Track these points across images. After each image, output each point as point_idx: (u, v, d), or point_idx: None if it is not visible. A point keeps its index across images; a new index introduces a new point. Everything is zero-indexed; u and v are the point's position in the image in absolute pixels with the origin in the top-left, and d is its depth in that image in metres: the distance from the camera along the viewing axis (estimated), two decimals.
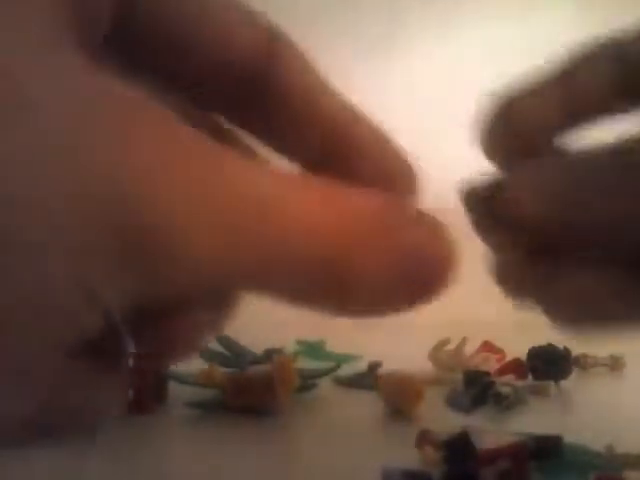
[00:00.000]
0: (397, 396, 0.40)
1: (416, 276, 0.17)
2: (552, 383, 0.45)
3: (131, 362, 0.20)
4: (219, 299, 0.22)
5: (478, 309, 0.78)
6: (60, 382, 0.16)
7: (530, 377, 0.46)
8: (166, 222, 0.15)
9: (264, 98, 0.21)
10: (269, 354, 0.44)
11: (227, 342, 0.48)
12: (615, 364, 0.48)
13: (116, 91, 0.15)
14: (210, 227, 0.15)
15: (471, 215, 0.22)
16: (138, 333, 0.19)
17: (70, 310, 0.15)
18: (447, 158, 0.87)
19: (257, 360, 0.45)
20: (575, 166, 0.20)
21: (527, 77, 0.22)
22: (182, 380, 0.43)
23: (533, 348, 0.46)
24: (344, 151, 0.21)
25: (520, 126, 0.21)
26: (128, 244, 0.14)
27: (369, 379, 0.45)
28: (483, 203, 0.22)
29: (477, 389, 0.42)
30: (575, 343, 0.45)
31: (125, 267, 0.15)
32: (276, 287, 0.16)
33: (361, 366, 0.48)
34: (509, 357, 0.49)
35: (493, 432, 0.31)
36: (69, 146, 0.14)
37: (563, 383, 0.45)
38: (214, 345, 0.48)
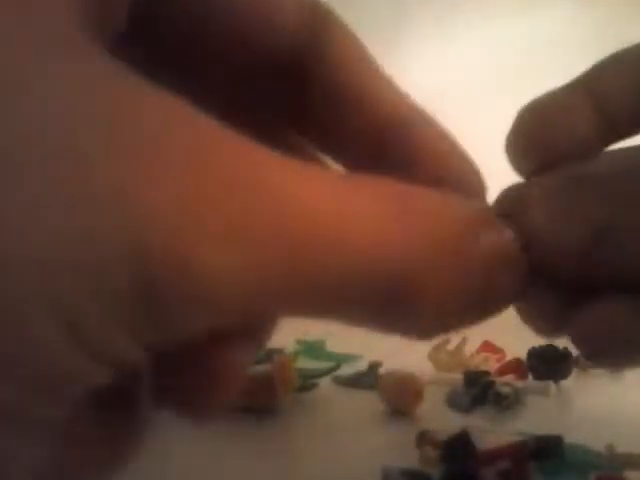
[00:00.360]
0: (397, 396, 0.40)
1: (498, 286, 0.15)
2: (552, 383, 0.45)
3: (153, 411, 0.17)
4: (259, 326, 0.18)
5: None
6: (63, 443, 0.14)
7: (530, 377, 0.46)
8: (197, 265, 0.12)
9: (311, 82, 0.18)
10: (269, 354, 0.44)
11: None
12: None
13: (141, 98, 0.13)
14: (247, 259, 0.13)
15: None
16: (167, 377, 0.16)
17: (59, 359, 0.12)
18: None
19: (257, 360, 0.45)
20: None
21: (556, 90, 0.21)
22: None
23: (533, 348, 0.46)
24: (403, 149, 0.18)
25: (551, 140, 0.20)
26: (144, 290, 0.12)
27: (369, 379, 0.45)
28: None
29: (477, 389, 0.42)
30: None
31: (138, 313, 0.12)
32: (332, 314, 0.15)
33: (361, 366, 0.48)
34: (509, 357, 0.49)
35: (493, 432, 0.31)
36: (77, 163, 0.12)
37: (563, 383, 0.45)
38: None
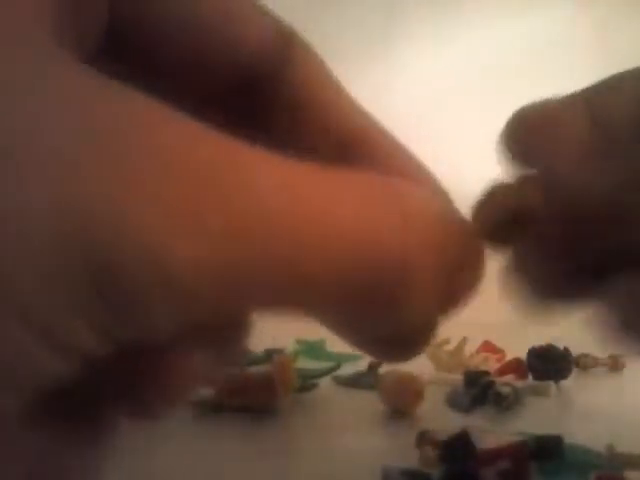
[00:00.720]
0: (397, 396, 0.40)
1: (471, 276, 0.16)
2: (552, 383, 0.45)
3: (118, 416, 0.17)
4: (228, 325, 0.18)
5: (478, 309, 0.78)
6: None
7: (530, 377, 0.46)
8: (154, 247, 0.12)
9: (275, 101, 0.19)
10: (269, 354, 0.44)
11: None
12: (615, 364, 0.48)
13: (107, 100, 0.13)
14: (211, 242, 0.12)
15: (490, 224, 0.20)
16: (123, 376, 0.16)
17: (23, 349, 0.12)
18: (447, 157, 0.87)
19: (257, 360, 0.45)
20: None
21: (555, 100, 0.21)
22: None
23: (533, 348, 0.46)
24: (360, 161, 0.19)
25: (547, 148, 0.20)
26: (99, 273, 0.12)
27: (369, 379, 0.45)
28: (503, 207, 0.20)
29: (477, 389, 0.42)
30: (575, 343, 0.45)
31: (96, 301, 0.12)
32: (307, 307, 0.14)
33: (361, 366, 0.48)
34: (509, 357, 0.49)
35: (493, 432, 0.31)
36: (53, 153, 0.12)
37: (563, 383, 0.45)
38: None
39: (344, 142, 0.19)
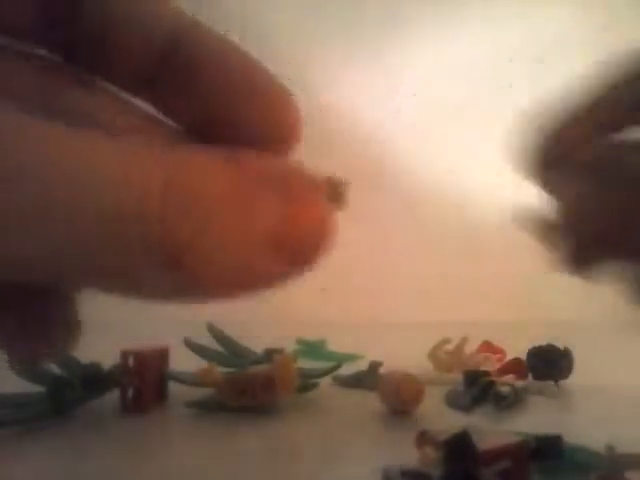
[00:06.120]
0: (397, 396, 0.40)
1: (288, 245, 0.14)
2: (552, 383, 0.45)
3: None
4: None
5: (478, 309, 0.78)
6: None
7: (530, 377, 0.46)
8: None
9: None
10: (269, 354, 0.44)
11: (227, 342, 0.48)
12: None
13: None
14: None
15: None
16: None
17: None
18: (447, 156, 0.87)
19: (257, 360, 0.45)
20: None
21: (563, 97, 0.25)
22: (182, 380, 0.43)
23: (533, 348, 0.46)
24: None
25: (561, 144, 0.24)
26: None
27: (369, 379, 0.45)
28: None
29: (477, 389, 0.42)
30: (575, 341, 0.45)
31: None
32: (95, 272, 0.14)
33: (361, 366, 0.48)
34: (509, 357, 0.49)
35: (493, 432, 0.31)
36: None
37: (563, 383, 0.45)
38: (214, 345, 0.48)
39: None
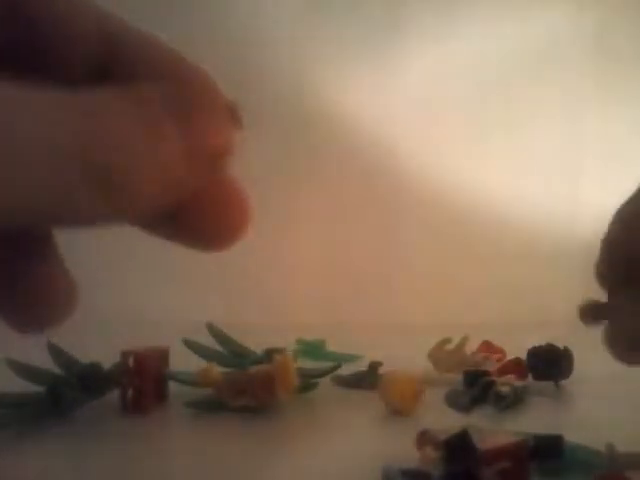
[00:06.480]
0: (397, 396, 0.40)
1: (197, 159, 0.17)
2: (552, 383, 0.45)
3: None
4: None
5: (478, 309, 0.78)
6: None
7: (530, 377, 0.46)
8: None
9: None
10: (269, 354, 0.44)
11: (227, 342, 0.48)
12: None
13: None
14: None
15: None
16: None
17: None
18: (448, 156, 0.87)
19: (257, 360, 0.45)
20: None
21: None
22: (181, 380, 0.43)
23: (533, 348, 0.46)
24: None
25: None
26: None
27: (369, 379, 0.45)
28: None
29: (477, 389, 0.42)
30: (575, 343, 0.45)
31: None
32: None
33: (361, 366, 0.48)
34: (509, 357, 0.49)
35: (493, 432, 0.31)
36: None
37: (563, 383, 0.45)
38: (214, 345, 0.48)
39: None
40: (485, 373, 0.44)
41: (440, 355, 0.49)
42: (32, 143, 0.15)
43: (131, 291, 0.79)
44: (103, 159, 0.16)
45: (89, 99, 0.17)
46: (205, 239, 0.20)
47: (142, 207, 0.17)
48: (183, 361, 0.45)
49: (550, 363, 0.45)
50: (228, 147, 0.18)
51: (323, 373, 0.46)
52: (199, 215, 0.19)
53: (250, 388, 0.40)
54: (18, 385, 0.40)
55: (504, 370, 0.46)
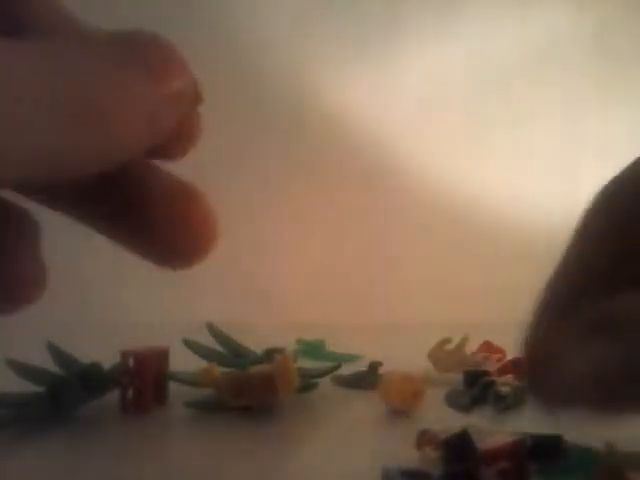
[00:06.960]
0: (397, 396, 0.40)
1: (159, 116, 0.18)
2: None
3: None
4: None
5: (478, 309, 0.78)
6: None
7: None
8: None
9: None
10: (269, 354, 0.44)
11: (227, 342, 0.48)
12: None
13: None
14: None
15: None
16: None
17: None
18: (448, 156, 0.87)
19: (257, 360, 0.45)
20: None
21: None
22: (182, 380, 0.43)
23: None
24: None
25: None
26: None
27: (369, 379, 0.45)
28: None
29: (477, 389, 0.42)
30: None
31: None
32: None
33: (361, 366, 0.48)
34: (509, 357, 0.49)
35: (493, 432, 0.31)
36: None
37: None
38: (214, 345, 0.48)
39: None
40: (485, 373, 0.44)
41: (440, 355, 0.49)
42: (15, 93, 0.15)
43: (131, 291, 0.79)
44: (81, 95, 0.16)
45: (52, 46, 0.17)
46: (172, 255, 0.20)
47: (125, 143, 0.17)
48: (183, 361, 0.44)
49: None
50: (192, 88, 0.18)
51: (323, 373, 0.46)
52: (167, 231, 0.20)
53: (250, 388, 0.40)
54: (18, 385, 0.40)
55: (504, 370, 0.46)
